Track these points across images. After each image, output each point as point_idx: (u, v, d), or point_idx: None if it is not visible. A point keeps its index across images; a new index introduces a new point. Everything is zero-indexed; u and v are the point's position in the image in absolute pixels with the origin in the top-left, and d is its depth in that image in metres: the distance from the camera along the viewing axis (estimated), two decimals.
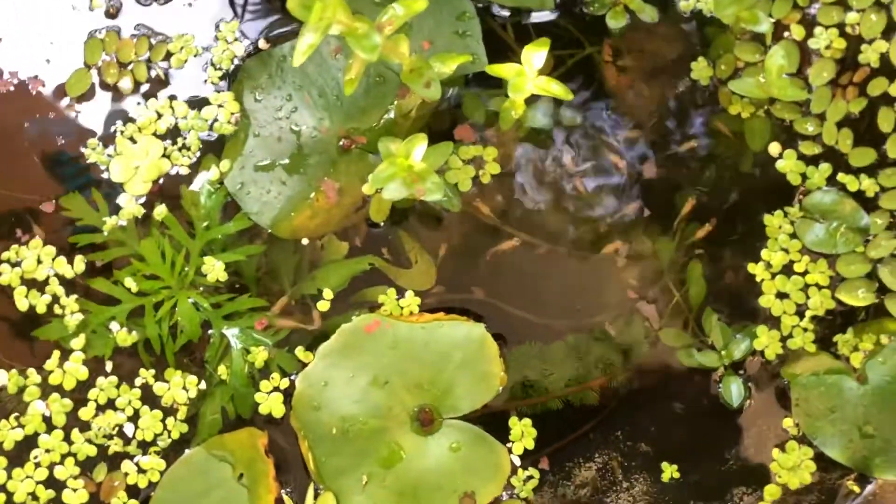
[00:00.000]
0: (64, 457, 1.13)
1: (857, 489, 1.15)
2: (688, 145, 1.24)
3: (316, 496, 1.12)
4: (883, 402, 1.15)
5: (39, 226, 1.20)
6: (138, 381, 1.16)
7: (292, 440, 1.14)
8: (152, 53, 1.25)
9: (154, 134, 1.22)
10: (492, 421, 1.15)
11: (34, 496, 1.13)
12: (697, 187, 1.23)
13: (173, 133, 1.23)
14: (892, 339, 1.16)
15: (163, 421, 1.15)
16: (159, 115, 1.23)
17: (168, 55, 1.25)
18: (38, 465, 1.13)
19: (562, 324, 1.19)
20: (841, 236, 1.19)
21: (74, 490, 1.13)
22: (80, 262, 1.18)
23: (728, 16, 1.18)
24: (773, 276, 1.19)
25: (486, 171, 1.22)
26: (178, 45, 1.25)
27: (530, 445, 1.15)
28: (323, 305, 1.18)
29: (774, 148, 1.22)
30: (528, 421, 1.15)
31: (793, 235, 1.20)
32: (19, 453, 1.14)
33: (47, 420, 1.14)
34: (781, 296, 1.19)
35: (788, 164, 1.22)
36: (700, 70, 1.25)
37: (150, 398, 1.15)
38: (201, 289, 1.18)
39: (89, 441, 1.14)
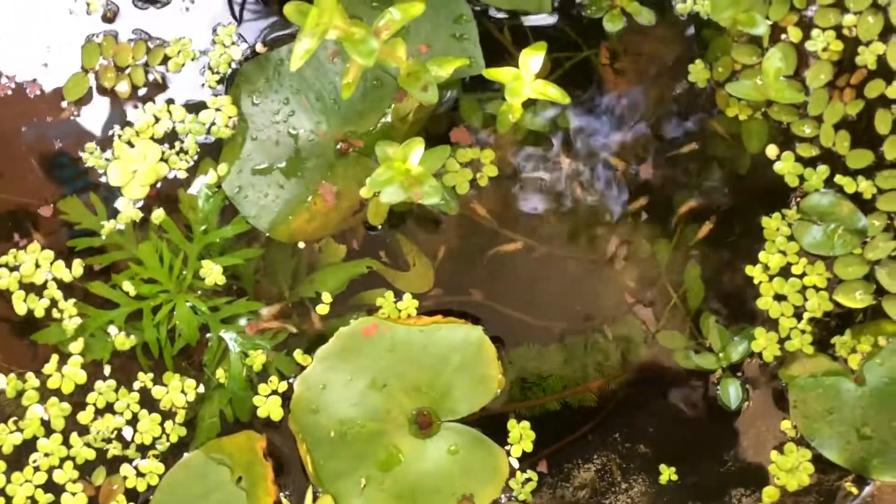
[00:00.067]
0: (63, 460, 1.14)
1: (855, 490, 1.15)
2: (685, 148, 1.24)
3: (314, 499, 1.13)
4: (881, 403, 1.15)
5: (37, 230, 1.20)
6: (137, 385, 1.16)
7: (291, 443, 1.15)
8: (150, 57, 1.25)
9: (152, 138, 1.22)
10: (490, 423, 1.15)
11: (33, 500, 1.13)
12: (695, 190, 1.23)
13: (171, 137, 1.23)
14: (889, 341, 1.16)
15: (161, 424, 1.15)
16: (157, 119, 1.23)
17: (165, 59, 1.25)
18: (37, 468, 1.13)
19: (560, 326, 1.20)
20: (838, 238, 1.19)
21: (73, 494, 1.13)
22: (78, 266, 1.18)
23: (725, 18, 1.18)
24: (771, 278, 1.20)
25: (483, 174, 1.23)
26: (176, 49, 1.25)
27: (529, 448, 1.15)
28: (322, 309, 1.18)
29: (772, 150, 1.23)
30: (526, 423, 1.15)
31: (790, 237, 1.20)
32: (18, 457, 1.14)
33: (46, 424, 1.14)
34: (779, 298, 1.19)
35: (786, 166, 1.22)
36: (697, 72, 1.25)
37: (148, 402, 1.16)
38: (199, 292, 1.18)
39: (88, 445, 1.14)
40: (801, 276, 1.19)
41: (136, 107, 1.23)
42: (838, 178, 1.21)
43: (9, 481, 1.13)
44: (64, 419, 1.14)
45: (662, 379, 1.19)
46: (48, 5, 1.27)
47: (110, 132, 1.23)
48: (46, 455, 1.13)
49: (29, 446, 1.14)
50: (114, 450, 1.14)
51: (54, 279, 1.18)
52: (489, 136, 1.24)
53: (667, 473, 1.16)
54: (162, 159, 1.22)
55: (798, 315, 1.19)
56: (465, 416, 1.15)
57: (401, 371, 1.14)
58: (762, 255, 1.20)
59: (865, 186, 1.20)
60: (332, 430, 1.13)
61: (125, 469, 1.14)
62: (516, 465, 1.15)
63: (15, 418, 1.14)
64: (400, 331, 1.15)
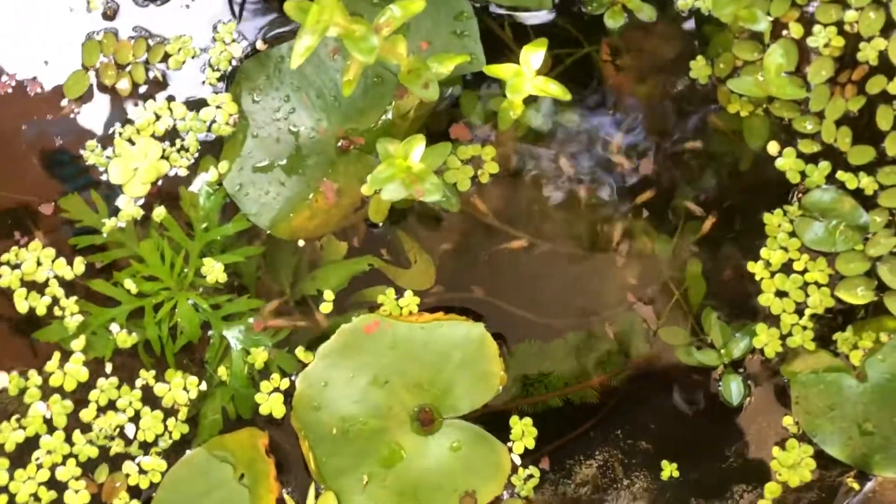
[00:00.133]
0: (65, 458, 1.14)
1: (856, 486, 1.15)
2: (686, 144, 1.24)
3: (317, 496, 1.13)
4: (882, 399, 1.15)
5: (38, 228, 1.20)
6: (139, 383, 1.16)
7: (293, 440, 1.15)
8: (150, 55, 1.25)
9: (152, 135, 1.22)
10: (492, 420, 1.15)
11: (36, 497, 1.13)
12: (696, 186, 1.23)
13: (172, 135, 1.23)
14: (891, 337, 1.16)
15: (164, 422, 1.15)
16: (157, 117, 1.23)
17: (166, 57, 1.25)
18: (39, 466, 1.13)
19: (561, 322, 1.20)
20: (840, 234, 1.19)
21: (76, 491, 1.13)
22: (79, 264, 1.18)
23: (726, 14, 1.18)
24: (773, 274, 1.19)
25: (484, 171, 1.23)
26: (176, 47, 1.25)
27: (531, 444, 1.15)
28: (325, 307, 1.18)
29: (773, 147, 1.22)
30: (528, 420, 1.16)
31: (792, 234, 1.20)
32: (21, 455, 1.14)
33: (48, 421, 1.15)
34: (781, 294, 1.19)
35: (788, 163, 1.22)
36: (699, 69, 1.25)
37: (150, 399, 1.16)
38: (201, 290, 1.18)
39: (90, 442, 1.14)
40: (802, 273, 1.19)
41: (136, 104, 1.23)
42: (840, 175, 1.21)
43: (12, 479, 1.13)
44: (66, 417, 1.14)
45: (664, 375, 1.19)
46: (48, 3, 1.27)
47: (111, 130, 1.23)
48: (49, 452, 1.14)
49: (32, 444, 1.14)
50: (116, 447, 1.14)
51: (56, 277, 1.18)
52: (490, 132, 1.24)
53: (668, 470, 1.16)
54: (163, 157, 1.22)
55: (800, 311, 1.19)
56: (467, 413, 1.15)
57: (402, 368, 1.14)
58: (764, 252, 1.20)
59: (867, 183, 1.20)
60: (335, 427, 1.13)
61: (128, 466, 1.14)
62: (518, 461, 1.15)
63: (17, 416, 1.14)
64: (401, 328, 1.15)
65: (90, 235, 1.19)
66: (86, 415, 1.15)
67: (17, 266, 1.18)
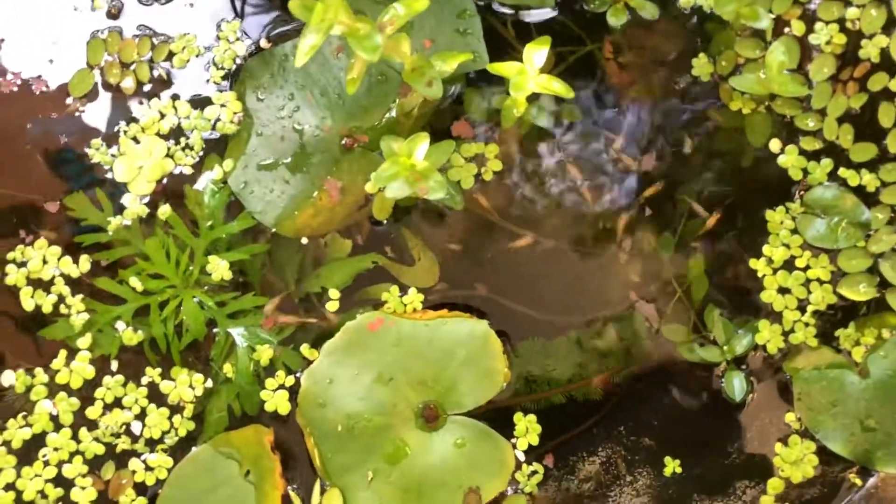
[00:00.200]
0: (72, 455, 1.14)
1: (859, 482, 1.16)
2: (688, 141, 1.25)
3: (322, 492, 1.13)
4: (884, 395, 1.15)
5: (43, 226, 1.20)
6: (145, 380, 1.16)
7: (298, 437, 1.15)
8: (154, 53, 1.25)
9: (157, 134, 1.23)
10: (496, 417, 1.16)
11: (43, 494, 1.13)
12: (698, 183, 1.24)
13: (176, 133, 1.23)
14: (893, 334, 1.16)
15: (169, 419, 1.16)
16: (162, 115, 1.23)
17: (170, 55, 1.25)
18: (46, 463, 1.14)
19: (564, 320, 1.20)
20: (842, 231, 1.19)
21: (83, 488, 1.14)
22: (85, 262, 1.19)
23: (728, 12, 1.19)
24: (775, 271, 1.20)
25: (488, 169, 1.23)
26: (180, 45, 1.25)
27: (535, 441, 1.16)
28: (332, 306, 1.18)
29: (775, 144, 1.23)
30: (532, 417, 1.16)
31: (794, 231, 1.20)
32: (28, 452, 1.14)
33: (55, 419, 1.15)
34: (783, 291, 1.19)
35: (790, 160, 1.22)
36: (701, 66, 1.25)
37: (156, 396, 1.16)
38: (206, 288, 1.19)
39: (97, 439, 1.15)
40: (804, 269, 1.20)
41: (141, 103, 1.24)
42: (842, 172, 1.21)
43: (19, 476, 1.13)
44: (72, 414, 1.15)
45: (667, 372, 1.19)
46: (53, 2, 1.27)
47: (116, 128, 1.23)
48: (56, 450, 1.14)
49: (38, 441, 1.14)
50: (122, 444, 1.15)
51: (62, 275, 1.18)
52: (493, 130, 1.24)
53: (671, 466, 1.16)
54: (167, 155, 1.22)
55: (802, 308, 1.19)
56: (472, 410, 1.15)
57: (407, 365, 1.15)
58: (766, 249, 1.20)
59: (869, 179, 1.21)
60: (340, 423, 1.13)
61: (134, 463, 1.14)
62: (522, 458, 1.16)
63: (24, 413, 1.15)
64: (406, 325, 1.15)
65: (95, 233, 1.19)
66: (92, 412, 1.15)
67: (23, 264, 1.19)
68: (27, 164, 1.23)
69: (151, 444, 1.15)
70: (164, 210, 1.20)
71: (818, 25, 1.24)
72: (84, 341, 1.16)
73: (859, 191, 1.21)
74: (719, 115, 1.25)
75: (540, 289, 1.21)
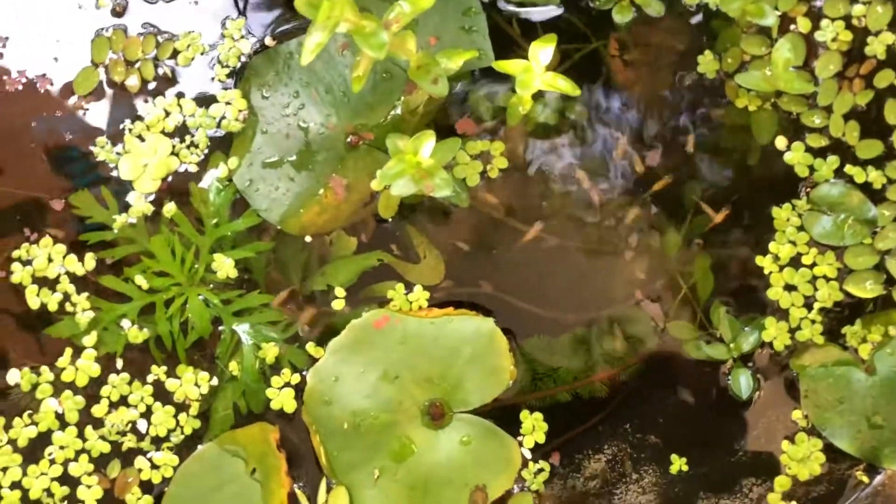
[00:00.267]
0: (78, 453, 1.14)
1: (866, 479, 1.15)
2: (694, 139, 1.25)
3: (328, 490, 1.13)
4: (891, 392, 1.15)
5: (48, 224, 1.20)
6: (150, 378, 1.16)
7: (304, 435, 1.15)
8: (159, 51, 1.25)
9: (162, 132, 1.23)
10: (502, 415, 1.16)
11: (49, 493, 1.13)
12: (704, 181, 1.23)
13: (181, 131, 1.23)
14: None
15: (175, 417, 1.15)
16: (167, 113, 1.23)
17: (175, 53, 1.25)
18: (52, 461, 1.14)
19: (570, 317, 1.20)
20: (848, 228, 1.19)
21: (89, 486, 1.14)
22: (90, 260, 1.19)
23: (734, 9, 1.19)
24: (781, 268, 1.20)
25: (493, 166, 1.23)
26: (185, 43, 1.25)
27: (541, 439, 1.15)
28: (338, 304, 1.18)
29: (781, 141, 1.23)
30: (538, 415, 1.16)
31: (800, 228, 1.20)
32: (34, 450, 1.14)
33: (60, 417, 1.15)
34: (789, 288, 1.19)
35: (796, 157, 1.22)
36: (706, 63, 1.25)
37: (162, 394, 1.16)
38: (211, 285, 1.19)
39: (103, 438, 1.15)
40: (811, 267, 1.19)
41: (146, 101, 1.24)
42: (848, 169, 1.21)
43: (25, 474, 1.13)
44: (78, 412, 1.15)
45: (673, 369, 1.19)
46: (57, 0, 1.27)
47: (121, 126, 1.23)
48: (62, 448, 1.14)
49: (44, 439, 1.14)
50: (128, 442, 1.15)
51: (67, 273, 1.18)
52: (498, 127, 1.24)
53: (678, 463, 1.16)
54: (173, 153, 1.22)
55: (808, 305, 1.19)
56: (478, 408, 1.15)
57: (413, 363, 1.15)
58: (772, 246, 1.20)
59: (875, 176, 1.21)
60: (346, 421, 1.13)
61: (140, 461, 1.14)
62: (528, 455, 1.16)
63: (30, 412, 1.15)
64: (411, 323, 1.15)
65: (101, 231, 1.19)
66: (98, 410, 1.15)
67: (28, 262, 1.19)
68: (32, 162, 1.23)
69: (157, 442, 1.15)
70: (170, 208, 1.20)
71: (824, 22, 1.24)
72: (89, 339, 1.16)
73: (866, 188, 1.21)
74: (725, 112, 1.25)
75: (545, 286, 1.21)
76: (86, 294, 1.18)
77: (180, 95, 1.24)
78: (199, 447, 1.15)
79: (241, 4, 1.27)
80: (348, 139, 1.22)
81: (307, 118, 1.22)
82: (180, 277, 1.18)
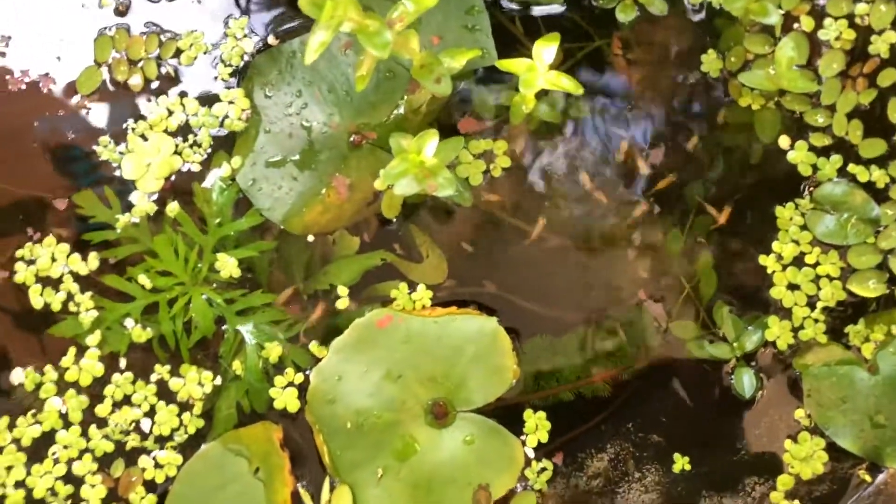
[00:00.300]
0: (82, 453, 1.14)
1: (868, 478, 1.16)
2: (698, 138, 1.25)
3: (332, 489, 1.13)
4: (894, 392, 1.15)
5: (52, 223, 1.21)
6: (154, 377, 1.17)
7: (307, 434, 1.15)
8: (162, 50, 1.25)
9: (165, 131, 1.23)
10: (505, 414, 1.16)
11: (53, 492, 1.14)
12: (707, 180, 1.23)
13: (184, 130, 1.23)
14: None
15: (179, 416, 1.16)
16: (170, 113, 1.23)
17: (178, 52, 1.25)
18: (56, 461, 1.14)
19: (573, 316, 1.20)
20: (852, 227, 1.19)
21: (92, 486, 1.14)
22: (94, 259, 1.19)
23: (737, 8, 1.18)
24: (785, 267, 1.20)
25: (496, 165, 1.23)
26: (188, 42, 1.25)
27: (544, 438, 1.16)
28: (343, 303, 1.18)
29: (784, 140, 1.23)
30: (542, 414, 1.16)
31: (803, 227, 1.20)
32: (37, 449, 1.15)
33: (64, 416, 1.15)
34: (793, 287, 1.19)
35: (799, 156, 1.22)
36: (710, 62, 1.25)
37: (165, 394, 1.16)
38: (214, 285, 1.19)
39: (106, 437, 1.15)
40: (814, 266, 1.20)
41: (149, 100, 1.24)
42: (851, 168, 1.21)
43: (29, 473, 1.14)
44: (82, 412, 1.15)
45: (676, 369, 1.19)
46: (60, 0, 1.27)
47: (124, 125, 1.23)
48: (65, 447, 1.14)
49: (48, 439, 1.15)
50: (132, 441, 1.15)
51: (70, 272, 1.18)
52: (501, 126, 1.24)
53: (680, 462, 1.16)
54: (176, 152, 1.22)
55: (811, 304, 1.19)
56: (481, 407, 1.15)
57: (416, 362, 1.15)
58: (775, 245, 1.20)
59: (878, 175, 1.21)
60: (349, 420, 1.14)
61: (144, 460, 1.14)
62: (532, 454, 1.16)
63: (33, 411, 1.15)
64: (414, 322, 1.15)
65: (104, 231, 1.19)
66: (101, 410, 1.15)
67: (31, 262, 1.19)
68: (35, 161, 1.23)
69: (161, 441, 1.15)
70: (173, 207, 1.20)
71: (827, 21, 1.24)
72: (93, 339, 1.16)
73: (869, 187, 1.21)
74: (728, 111, 1.25)
75: (548, 285, 1.21)
76: (89, 293, 1.18)
77: (183, 94, 1.24)
78: (203, 446, 1.15)
79: (243, 4, 1.27)
80: (351, 138, 1.22)
81: (310, 117, 1.22)
82: (183, 277, 1.18)
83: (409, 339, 1.15)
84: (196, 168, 1.22)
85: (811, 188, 1.22)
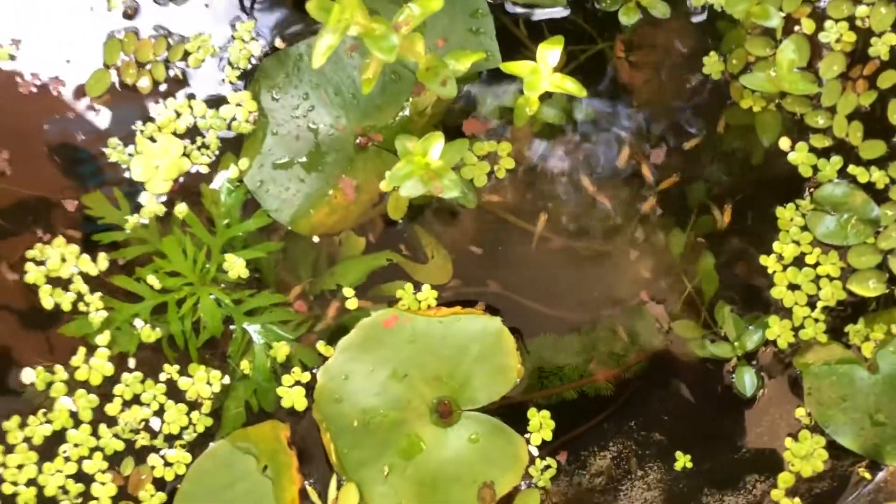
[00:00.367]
0: (92, 451, 1.16)
1: (868, 476, 1.17)
2: (700, 139, 1.26)
3: (339, 487, 1.15)
4: (894, 390, 1.16)
5: (62, 224, 1.22)
6: (163, 377, 1.18)
7: (314, 433, 1.16)
8: (170, 53, 1.26)
9: (173, 133, 1.24)
10: (510, 412, 1.17)
11: (64, 490, 1.15)
12: (709, 181, 1.24)
13: (192, 132, 1.24)
14: None
15: (188, 415, 1.17)
16: (178, 115, 1.24)
17: (186, 55, 1.26)
18: (67, 459, 1.15)
19: (576, 316, 1.21)
20: (852, 228, 1.20)
21: (103, 484, 1.15)
22: (103, 260, 1.20)
23: (739, 11, 1.19)
24: (785, 267, 1.21)
25: (500, 167, 1.24)
26: (196, 45, 1.26)
27: (548, 437, 1.17)
28: (351, 304, 1.20)
29: (785, 141, 1.24)
30: (546, 412, 1.17)
31: (804, 228, 1.21)
32: (48, 448, 1.16)
33: (74, 415, 1.16)
34: (793, 287, 1.20)
35: (800, 157, 1.23)
36: (712, 65, 1.26)
37: (174, 393, 1.17)
38: (223, 285, 1.20)
39: (116, 436, 1.16)
40: (814, 266, 1.21)
41: (157, 102, 1.25)
42: (851, 169, 1.22)
43: (40, 472, 1.15)
44: (92, 411, 1.16)
45: (677, 368, 1.20)
46: (69, 3, 1.28)
47: (132, 128, 1.24)
48: (76, 446, 1.16)
49: (59, 437, 1.16)
50: (142, 440, 1.16)
51: (80, 273, 1.20)
52: (505, 128, 1.25)
53: (682, 460, 1.17)
54: (184, 154, 1.23)
55: (812, 304, 1.20)
56: (485, 405, 1.16)
57: (421, 361, 1.16)
58: (776, 245, 1.21)
59: (878, 176, 1.22)
60: (355, 419, 1.15)
61: (153, 459, 1.16)
62: (536, 452, 1.17)
63: (44, 410, 1.16)
64: (420, 322, 1.17)
65: (113, 232, 1.21)
66: (111, 409, 1.16)
67: (41, 262, 1.20)
68: (44, 163, 1.24)
69: (170, 439, 1.17)
70: (181, 208, 1.21)
71: (828, 23, 1.25)
72: (103, 338, 1.17)
73: (869, 188, 1.22)
74: (729, 113, 1.26)
75: (551, 285, 1.22)
76: (99, 294, 1.19)
77: (191, 97, 1.25)
78: (212, 445, 1.16)
79: (250, 7, 1.28)
80: (357, 140, 1.23)
81: (317, 119, 1.23)
82: (192, 277, 1.19)
83: (414, 339, 1.16)
84: (204, 170, 1.23)
85: (812, 189, 1.23)
